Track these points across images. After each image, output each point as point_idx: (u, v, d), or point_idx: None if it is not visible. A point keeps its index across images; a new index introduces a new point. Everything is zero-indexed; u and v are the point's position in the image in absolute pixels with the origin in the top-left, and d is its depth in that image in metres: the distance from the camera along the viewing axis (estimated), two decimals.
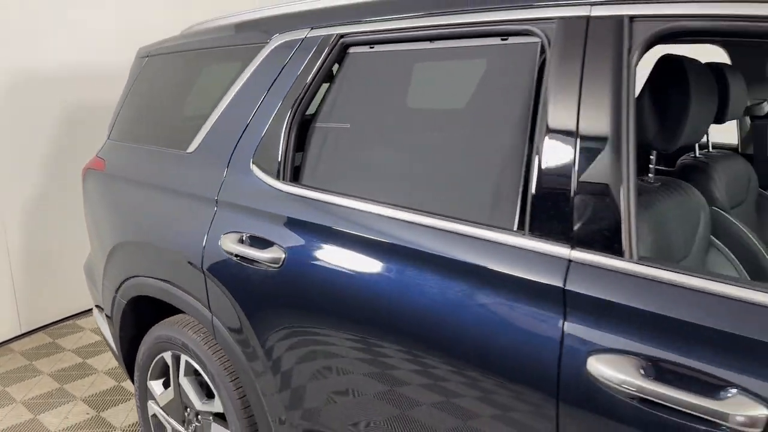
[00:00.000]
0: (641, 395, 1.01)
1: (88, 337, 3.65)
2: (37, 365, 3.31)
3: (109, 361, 3.34)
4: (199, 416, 2.04)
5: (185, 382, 2.04)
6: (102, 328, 2.50)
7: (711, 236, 1.63)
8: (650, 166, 1.54)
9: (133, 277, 2.12)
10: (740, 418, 0.92)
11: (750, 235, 1.89)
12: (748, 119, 2.33)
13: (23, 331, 3.66)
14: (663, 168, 2.10)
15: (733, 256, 1.62)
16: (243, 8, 2.03)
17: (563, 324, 1.12)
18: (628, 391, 1.02)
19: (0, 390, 3.06)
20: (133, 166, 2.21)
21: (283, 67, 1.76)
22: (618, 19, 1.16)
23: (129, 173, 2.21)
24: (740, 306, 0.96)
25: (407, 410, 1.37)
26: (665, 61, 1.37)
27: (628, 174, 1.11)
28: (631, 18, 1.15)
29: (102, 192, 2.32)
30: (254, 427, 1.83)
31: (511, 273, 1.20)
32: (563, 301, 1.12)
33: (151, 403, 2.24)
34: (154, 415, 2.25)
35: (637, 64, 1.15)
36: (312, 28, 1.74)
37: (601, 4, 1.19)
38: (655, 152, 1.52)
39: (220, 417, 1.97)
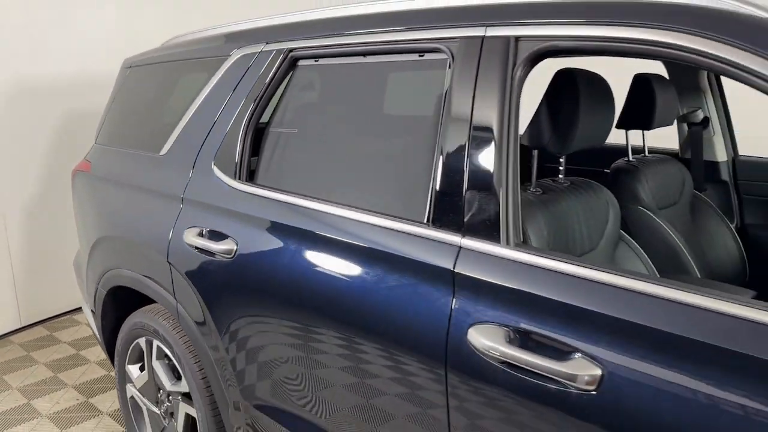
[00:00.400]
0: (507, 360, 1.18)
1: (83, 330, 3.86)
2: (33, 356, 3.52)
3: (101, 352, 3.54)
4: (170, 396, 2.22)
5: (157, 366, 2.23)
6: (89, 318, 2.70)
7: (621, 231, 1.79)
8: (560, 168, 1.71)
9: (112, 269, 2.32)
10: (582, 378, 1.09)
11: (671, 233, 2.05)
12: (685, 126, 2.50)
13: (23, 325, 3.88)
14: (598, 170, 2.26)
15: (641, 250, 1.78)
16: (236, 17, 2.22)
17: (452, 301, 1.29)
18: (496, 357, 1.19)
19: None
20: (114, 167, 2.41)
21: (242, 78, 1.96)
22: (506, 39, 1.34)
23: (111, 174, 2.41)
24: (583, 283, 1.14)
25: (336, 381, 1.55)
26: (559, 74, 1.55)
27: (507, 173, 1.29)
28: (517, 38, 1.33)
29: (88, 191, 2.52)
30: (215, 404, 2.01)
31: (415, 258, 1.38)
32: (453, 282, 1.30)
33: (129, 386, 2.43)
34: (132, 397, 2.44)
35: (522, 76, 1.33)
36: (267, 43, 1.93)
37: (493, 26, 1.37)
38: (564, 156, 1.70)
39: (187, 396, 2.16)
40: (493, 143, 1.32)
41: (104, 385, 3.17)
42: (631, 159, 2.22)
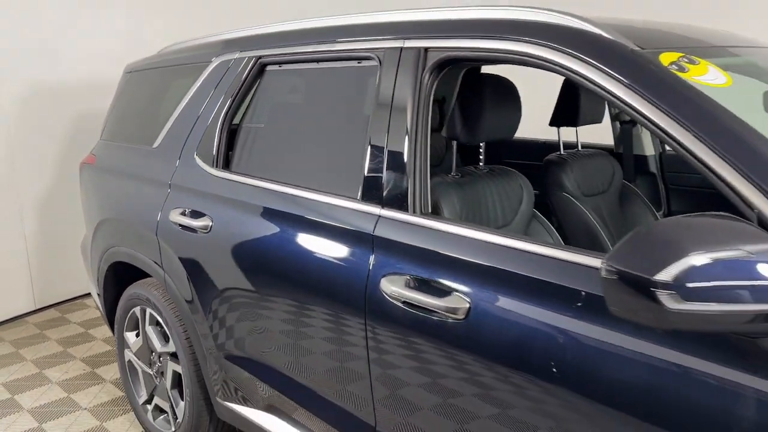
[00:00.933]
0: (406, 300, 1.51)
1: (92, 313, 4.22)
2: (46, 333, 3.89)
3: (107, 331, 3.90)
4: (161, 357, 2.57)
5: (150, 331, 2.58)
6: (95, 297, 3.06)
7: (534, 210, 2.10)
8: (480, 157, 2.04)
9: (112, 247, 2.67)
10: (455, 309, 1.41)
11: (591, 217, 2.36)
12: (618, 124, 2.80)
13: (37, 307, 4.25)
14: (539, 163, 2.56)
15: (550, 226, 2.09)
16: (235, 25, 2.54)
17: (371, 258, 1.62)
18: (399, 298, 1.52)
19: (14, 351, 3.64)
20: (115, 159, 2.77)
21: (220, 81, 2.30)
22: (418, 50, 1.67)
23: (112, 165, 2.77)
24: (461, 239, 1.46)
25: (286, 329, 1.89)
26: (467, 75, 1.87)
27: (416, 158, 1.62)
28: (426, 49, 1.66)
29: (92, 181, 2.88)
30: (196, 360, 2.35)
31: (348, 227, 1.71)
32: (372, 242, 1.63)
33: (126, 351, 2.78)
34: (129, 361, 2.78)
35: (431, 80, 1.65)
36: (240, 51, 2.27)
37: (409, 39, 1.70)
38: (483, 146, 2.02)
39: (174, 356, 2.50)
40: (406, 134, 1.65)
41: (108, 359, 3.52)
42: (562, 153, 2.53)
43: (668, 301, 0.92)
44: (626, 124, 2.74)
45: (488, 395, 1.38)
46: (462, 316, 1.41)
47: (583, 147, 2.69)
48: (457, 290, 1.43)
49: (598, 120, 2.53)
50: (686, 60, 1.33)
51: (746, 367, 1.02)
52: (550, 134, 2.75)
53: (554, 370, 1.26)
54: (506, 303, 1.35)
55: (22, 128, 4.01)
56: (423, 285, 1.50)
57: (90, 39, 4.24)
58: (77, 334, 3.87)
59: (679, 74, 1.27)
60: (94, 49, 4.27)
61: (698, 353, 1.07)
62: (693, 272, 0.91)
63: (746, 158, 1.10)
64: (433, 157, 2.37)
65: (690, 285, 0.91)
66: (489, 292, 1.38)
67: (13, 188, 4.01)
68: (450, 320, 1.43)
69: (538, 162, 2.58)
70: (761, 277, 0.91)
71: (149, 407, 2.68)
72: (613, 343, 1.17)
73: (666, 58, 1.32)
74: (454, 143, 1.94)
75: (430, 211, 1.63)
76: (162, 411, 2.64)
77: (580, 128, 2.49)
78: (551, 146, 2.79)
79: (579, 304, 1.23)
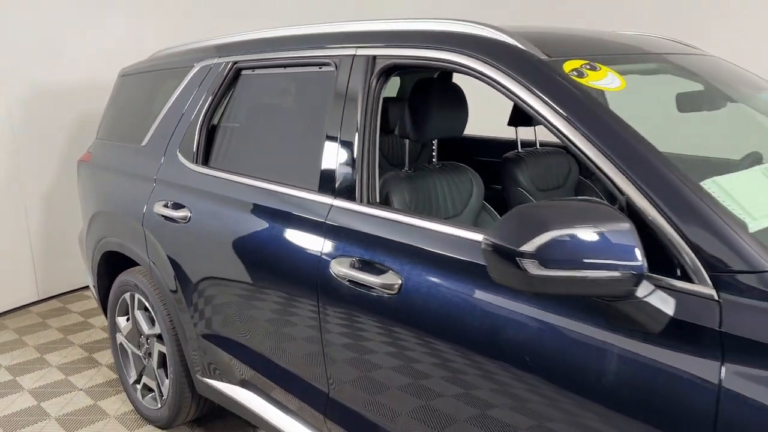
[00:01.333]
0: (351, 279, 1.71)
1: (92, 303, 4.44)
2: (48, 322, 4.12)
3: (104, 320, 4.12)
4: (148, 339, 2.78)
5: (138, 315, 2.79)
6: (89, 283, 3.28)
7: (484, 202, 2.30)
8: (433, 154, 2.23)
9: (104, 237, 2.89)
10: (390, 285, 1.61)
11: None
12: None
13: (40, 298, 4.48)
14: (489, 159, 2.76)
15: (498, 216, 2.28)
16: (228, 29, 2.73)
17: (323, 243, 1.82)
18: (345, 278, 1.72)
19: (17, 338, 3.87)
20: (108, 157, 2.99)
21: (200, 84, 2.51)
22: (367, 57, 1.87)
23: (106, 162, 2.98)
24: (396, 225, 1.66)
25: (252, 305, 2.09)
26: (419, 81, 2.07)
27: (363, 154, 1.81)
28: (374, 57, 1.86)
29: (88, 177, 3.10)
30: (178, 340, 2.56)
31: (306, 216, 1.91)
32: (323, 229, 1.83)
33: (118, 335, 2.99)
34: (121, 344, 3.00)
35: (379, 85, 1.85)
36: (219, 57, 2.48)
37: (361, 47, 1.90)
38: (436, 143, 2.22)
39: (159, 338, 2.71)
40: (356, 132, 1.85)
41: (105, 345, 3.74)
42: (519, 151, 2.72)
43: (531, 268, 1.11)
44: None
45: (419, 361, 1.58)
46: (395, 292, 1.60)
47: (541, 145, 2.88)
48: (392, 269, 1.63)
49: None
50: (588, 67, 1.53)
51: (606, 326, 1.22)
52: (526, 134, 2.93)
53: (467, 335, 1.45)
54: (432, 279, 1.54)
55: (27, 127, 4.24)
56: (365, 265, 1.70)
57: (91, 42, 4.47)
58: (77, 323, 4.09)
59: (578, 80, 1.46)
60: (96, 51, 4.49)
61: (570, 315, 1.27)
62: (552, 244, 1.11)
63: (619, 151, 1.29)
64: (410, 154, 2.53)
65: (549, 255, 1.10)
66: (418, 269, 1.58)
67: (17, 185, 4.24)
68: (386, 295, 1.62)
69: (498, 159, 2.78)
70: (608, 249, 1.10)
71: (138, 386, 2.90)
72: (507, 308, 1.37)
73: (569, 66, 1.51)
74: (406, 141, 2.14)
75: (378, 201, 1.83)
76: (150, 390, 2.85)
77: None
78: (515, 145, 2.98)
79: (483, 277, 1.43)
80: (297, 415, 2.06)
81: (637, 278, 1.10)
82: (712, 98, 1.94)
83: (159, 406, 2.75)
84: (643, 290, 1.13)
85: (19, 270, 4.34)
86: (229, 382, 2.36)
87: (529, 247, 1.11)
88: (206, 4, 5.06)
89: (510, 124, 2.69)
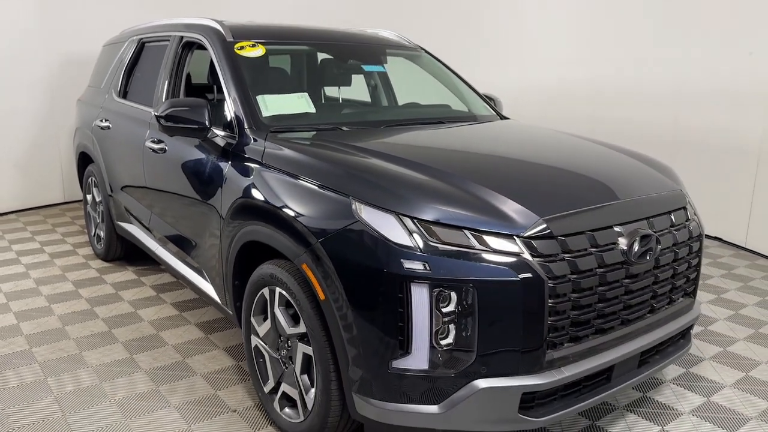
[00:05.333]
0: (151, 148, 3.43)
1: None
2: (68, 215, 6.09)
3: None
4: (100, 204, 4.61)
5: (94, 192, 4.63)
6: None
7: None
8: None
9: (79, 143, 4.74)
10: (162, 148, 3.32)
11: None
12: None
13: (66, 200, 6.48)
14: None
15: None
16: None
17: (147, 132, 3.54)
18: (151, 148, 3.44)
19: (49, 226, 5.83)
20: (87, 95, 4.84)
21: (128, 52, 4.28)
22: (180, 37, 3.56)
23: (85, 98, 4.84)
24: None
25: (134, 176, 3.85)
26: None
27: (171, 86, 3.52)
28: (182, 37, 3.54)
29: (77, 108, 4.97)
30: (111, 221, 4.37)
31: (148, 120, 3.64)
32: (150, 125, 3.55)
33: (91, 210, 4.85)
34: (88, 215, 4.86)
35: (183, 53, 3.54)
36: (137, 35, 4.23)
37: (175, 32, 3.58)
38: None
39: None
40: (170, 75, 3.55)
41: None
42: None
43: (162, 121, 2.78)
44: None
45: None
46: (165, 151, 3.31)
47: None
48: (163, 140, 3.33)
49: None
50: (251, 45, 3.15)
51: (205, 150, 2.88)
52: None
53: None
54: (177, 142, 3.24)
55: (58, 82, 6.21)
56: (158, 141, 3.41)
57: (95, 25, 6.37)
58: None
59: (238, 53, 3.09)
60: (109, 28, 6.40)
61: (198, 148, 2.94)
62: (171, 112, 2.76)
63: (230, 83, 2.92)
64: None
65: (169, 114, 2.76)
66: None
67: (52, 120, 6.23)
68: (160, 152, 3.33)
69: None
70: (198, 113, 2.75)
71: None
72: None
73: (240, 44, 3.14)
74: None
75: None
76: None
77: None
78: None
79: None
80: None
81: (206, 129, 2.75)
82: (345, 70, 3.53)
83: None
84: (214, 134, 2.79)
85: (52, 179, 6.34)
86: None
87: (158, 111, 2.77)
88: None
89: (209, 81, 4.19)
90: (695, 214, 2.52)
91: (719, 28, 4.92)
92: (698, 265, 2.48)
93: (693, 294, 2.52)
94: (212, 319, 3.58)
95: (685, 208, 2.45)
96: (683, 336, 2.58)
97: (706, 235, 5.32)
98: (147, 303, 3.83)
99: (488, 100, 3.78)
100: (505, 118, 3.62)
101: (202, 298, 3.29)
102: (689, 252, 2.40)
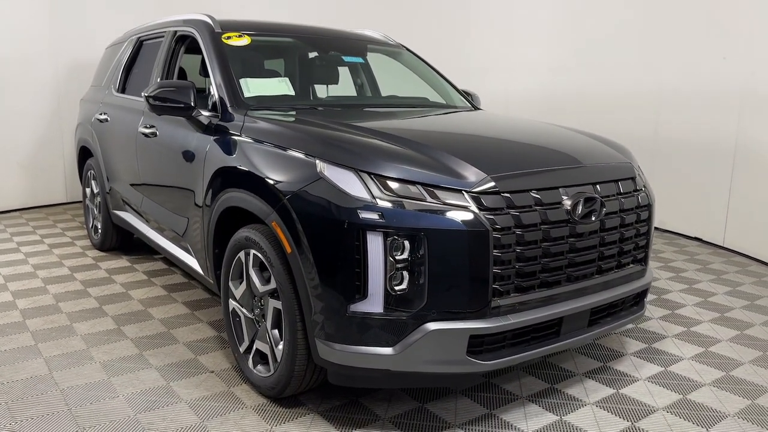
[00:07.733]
0: (143, 133, 3.63)
1: None
2: (71, 214, 6.29)
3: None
4: (96, 193, 4.81)
5: (92, 184, 4.84)
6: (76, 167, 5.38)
7: None
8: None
9: (80, 137, 4.96)
10: (153, 133, 3.53)
11: None
12: None
13: (69, 200, 6.70)
14: None
15: None
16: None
17: (141, 119, 3.75)
18: (143, 133, 3.65)
19: (50, 222, 6.04)
20: (89, 93, 5.07)
21: (128, 50, 4.51)
22: (175, 32, 3.79)
23: (87, 96, 5.07)
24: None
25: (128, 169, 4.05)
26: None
27: (164, 74, 3.73)
28: (175, 32, 3.76)
29: (81, 105, 5.20)
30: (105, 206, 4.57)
31: (140, 108, 3.85)
32: (143, 112, 3.75)
33: (86, 203, 5.05)
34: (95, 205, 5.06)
35: (178, 47, 3.76)
36: (135, 35, 4.47)
37: (169, 28, 3.81)
38: None
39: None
40: (165, 66, 3.77)
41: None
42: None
43: (150, 101, 2.98)
44: None
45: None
46: (156, 135, 3.51)
47: None
48: (155, 125, 3.54)
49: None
50: (238, 36, 3.36)
51: (191, 128, 3.07)
52: None
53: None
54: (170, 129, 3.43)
55: (65, 81, 6.46)
56: (150, 126, 3.62)
57: (102, 32, 6.65)
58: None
59: (225, 42, 3.30)
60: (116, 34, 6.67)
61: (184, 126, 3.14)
62: (160, 92, 2.97)
63: (216, 68, 3.13)
64: None
65: (157, 94, 2.96)
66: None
67: (58, 119, 6.47)
68: (151, 136, 3.53)
69: None
70: (185, 94, 2.95)
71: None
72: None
73: (228, 35, 3.35)
74: None
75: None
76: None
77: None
78: None
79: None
80: None
81: (192, 109, 2.95)
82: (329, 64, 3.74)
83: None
84: (199, 113, 2.98)
85: (56, 179, 6.57)
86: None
87: (148, 92, 2.98)
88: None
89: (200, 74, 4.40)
90: (645, 186, 2.68)
91: (695, 34, 5.12)
92: (648, 233, 2.64)
93: (644, 261, 2.67)
94: (200, 299, 3.74)
95: (633, 179, 2.61)
96: (636, 303, 2.72)
97: (687, 235, 5.47)
98: (138, 285, 4.00)
99: (466, 95, 3.97)
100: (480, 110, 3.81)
101: (186, 270, 3.45)
102: (638, 220, 2.56)
